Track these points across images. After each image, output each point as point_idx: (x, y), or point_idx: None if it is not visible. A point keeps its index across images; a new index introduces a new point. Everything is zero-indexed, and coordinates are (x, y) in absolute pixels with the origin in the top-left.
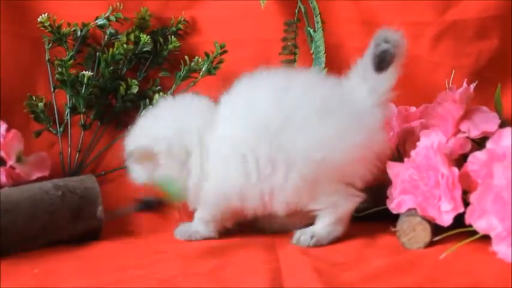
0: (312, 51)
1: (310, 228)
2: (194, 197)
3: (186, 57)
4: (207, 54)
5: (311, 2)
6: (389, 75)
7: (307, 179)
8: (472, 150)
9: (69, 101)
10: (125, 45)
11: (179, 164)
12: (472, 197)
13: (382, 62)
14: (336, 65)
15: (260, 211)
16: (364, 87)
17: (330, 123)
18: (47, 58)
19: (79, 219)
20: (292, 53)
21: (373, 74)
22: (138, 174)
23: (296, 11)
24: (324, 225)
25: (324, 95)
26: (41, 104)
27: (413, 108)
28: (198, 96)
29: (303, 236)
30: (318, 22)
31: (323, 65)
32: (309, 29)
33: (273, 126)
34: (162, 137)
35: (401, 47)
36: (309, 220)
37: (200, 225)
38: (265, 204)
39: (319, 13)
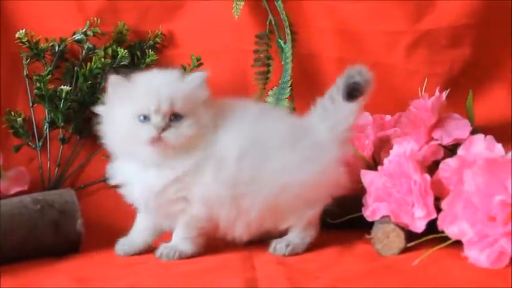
0: (282, 63)
1: (285, 237)
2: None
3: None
4: (183, 67)
5: (281, 13)
6: (350, 112)
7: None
8: (444, 157)
9: (48, 115)
10: (102, 60)
11: None
12: (444, 203)
13: (354, 91)
14: (309, 75)
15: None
16: (324, 124)
17: (293, 152)
18: (25, 73)
19: (58, 233)
20: (265, 64)
21: (337, 108)
22: None
23: (268, 23)
24: (297, 233)
25: (288, 127)
26: (19, 119)
27: (388, 117)
28: None
29: (278, 244)
30: (288, 34)
31: (289, 77)
32: (279, 40)
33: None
34: None
35: (370, 85)
36: None
37: (185, 244)
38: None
39: (290, 24)
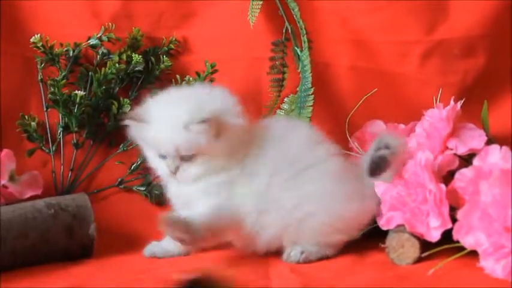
0: (299, 71)
1: (300, 245)
2: None
3: (178, 77)
4: (198, 74)
5: (298, 22)
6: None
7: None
8: (459, 167)
9: (62, 120)
10: (117, 65)
11: None
12: (460, 214)
13: (376, 168)
14: (324, 84)
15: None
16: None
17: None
18: (39, 78)
19: (71, 237)
20: (281, 72)
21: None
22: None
23: (284, 30)
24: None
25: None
26: (33, 123)
27: (401, 126)
28: None
29: (293, 251)
30: (304, 41)
31: (310, 85)
32: (296, 48)
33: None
34: None
35: (401, 153)
36: None
37: None
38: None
39: (306, 32)
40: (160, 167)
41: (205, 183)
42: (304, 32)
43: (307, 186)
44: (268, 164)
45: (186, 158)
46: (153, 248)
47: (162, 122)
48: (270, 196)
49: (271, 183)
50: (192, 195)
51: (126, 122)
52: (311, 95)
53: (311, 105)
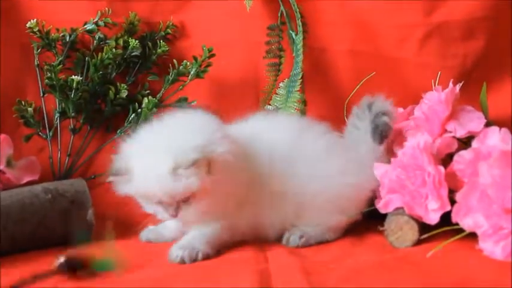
0: (293, 55)
1: (299, 228)
2: None
3: (175, 61)
4: (195, 58)
5: (293, 5)
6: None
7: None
8: (458, 150)
9: (59, 105)
10: (113, 50)
11: None
12: (458, 196)
13: (384, 135)
14: (321, 68)
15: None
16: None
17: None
18: (36, 63)
19: (69, 223)
20: (277, 56)
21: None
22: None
23: (279, 14)
24: (315, 228)
25: (328, 141)
26: (30, 109)
27: (400, 109)
28: None
29: (292, 236)
30: (299, 25)
31: (300, 69)
32: (291, 32)
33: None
34: None
35: (394, 117)
36: None
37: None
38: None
39: (301, 16)
40: (158, 213)
41: (213, 224)
42: (299, 16)
43: (303, 171)
44: (274, 170)
45: (185, 200)
46: (148, 233)
47: (147, 172)
48: (272, 194)
49: (276, 183)
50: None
51: (110, 179)
52: (300, 79)
53: (298, 90)
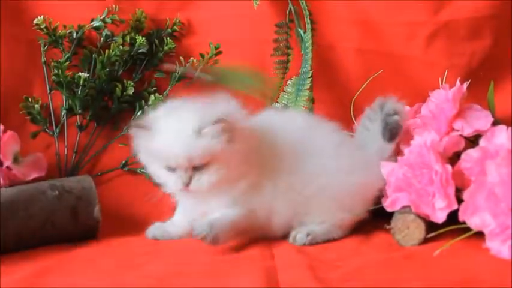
0: (302, 53)
1: (306, 227)
2: None
3: (182, 58)
4: (202, 55)
5: (301, 3)
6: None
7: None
8: (465, 148)
9: (65, 102)
10: (120, 47)
11: None
12: (466, 194)
13: (395, 134)
14: (328, 66)
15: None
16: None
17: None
18: (42, 60)
19: (76, 219)
20: (285, 53)
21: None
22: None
23: (287, 12)
24: (321, 226)
25: (337, 140)
26: (37, 106)
27: (407, 107)
28: None
29: (299, 234)
30: (307, 23)
31: (309, 67)
32: (299, 29)
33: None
34: None
35: (406, 118)
36: None
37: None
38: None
39: (310, 14)
40: (169, 181)
41: (222, 197)
42: (308, 14)
43: (312, 165)
44: (279, 159)
45: (199, 168)
46: (155, 230)
47: (172, 131)
48: (281, 185)
49: (287, 175)
50: (208, 211)
51: (132, 131)
52: (309, 77)
53: (308, 88)
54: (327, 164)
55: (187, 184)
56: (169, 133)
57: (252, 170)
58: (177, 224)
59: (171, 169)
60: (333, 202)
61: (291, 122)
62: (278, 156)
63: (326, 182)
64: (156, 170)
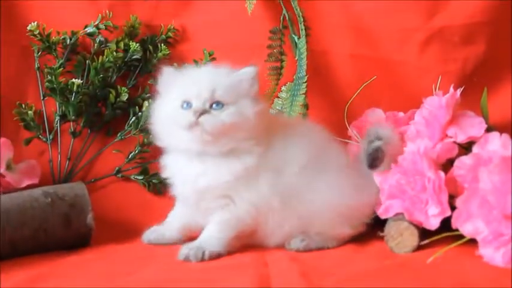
0: (296, 59)
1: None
2: None
3: (176, 65)
4: (196, 62)
5: (296, 9)
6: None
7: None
8: (458, 155)
9: (59, 108)
10: (114, 53)
11: None
12: (459, 201)
13: (375, 160)
14: (322, 72)
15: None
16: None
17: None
18: (36, 66)
19: (69, 226)
20: (279, 60)
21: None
22: None
23: (281, 18)
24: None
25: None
26: (30, 112)
27: (401, 114)
28: None
29: (293, 239)
30: (302, 29)
31: (304, 73)
32: (293, 35)
33: None
34: None
35: (393, 142)
36: None
37: (214, 242)
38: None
39: (304, 20)
40: (180, 116)
41: (223, 167)
42: (302, 20)
43: (321, 181)
44: (291, 160)
45: (216, 107)
46: (150, 234)
47: (207, 69)
48: (291, 191)
49: (293, 179)
50: (204, 223)
51: (164, 68)
52: (304, 82)
53: (303, 93)
54: (333, 182)
55: (200, 115)
56: (202, 69)
57: (259, 150)
58: (172, 226)
59: (188, 105)
60: (335, 217)
61: (308, 132)
62: (285, 157)
63: (331, 198)
64: (169, 108)
